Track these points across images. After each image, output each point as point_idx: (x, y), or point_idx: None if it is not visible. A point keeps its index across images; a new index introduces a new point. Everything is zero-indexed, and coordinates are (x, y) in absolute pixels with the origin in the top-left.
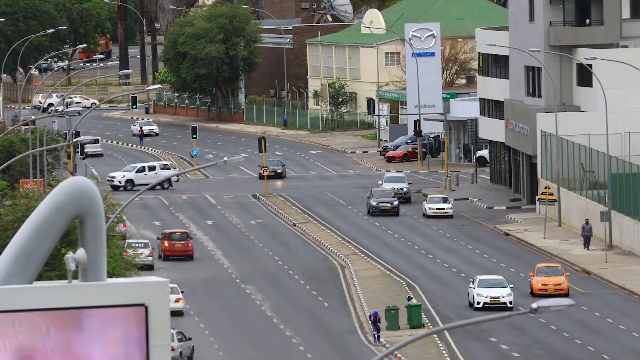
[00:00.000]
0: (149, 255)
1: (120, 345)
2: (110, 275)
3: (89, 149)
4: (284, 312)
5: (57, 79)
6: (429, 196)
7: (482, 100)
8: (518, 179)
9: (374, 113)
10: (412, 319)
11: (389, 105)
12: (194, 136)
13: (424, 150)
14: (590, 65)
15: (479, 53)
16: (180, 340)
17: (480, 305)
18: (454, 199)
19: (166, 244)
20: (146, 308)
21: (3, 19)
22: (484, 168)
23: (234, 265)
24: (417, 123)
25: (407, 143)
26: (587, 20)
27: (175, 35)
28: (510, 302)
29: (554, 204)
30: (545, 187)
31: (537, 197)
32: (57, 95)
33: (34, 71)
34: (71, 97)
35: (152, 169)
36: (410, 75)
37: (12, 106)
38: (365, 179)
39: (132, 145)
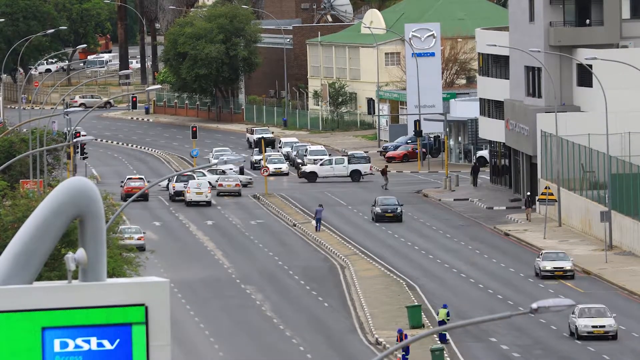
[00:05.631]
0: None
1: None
2: (110, 275)
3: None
4: (284, 312)
5: (57, 79)
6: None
7: (482, 101)
8: (518, 179)
9: (374, 113)
10: (412, 319)
11: (389, 106)
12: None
13: (424, 150)
14: (590, 66)
15: (479, 53)
16: None
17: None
18: (454, 199)
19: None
20: (146, 308)
21: (3, 19)
22: (484, 168)
23: (234, 265)
24: (417, 123)
25: (407, 143)
26: (587, 21)
27: (175, 35)
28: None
29: (554, 204)
30: (546, 187)
31: (537, 197)
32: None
33: (34, 71)
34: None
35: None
36: (410, 76)
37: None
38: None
39: (132, 146)
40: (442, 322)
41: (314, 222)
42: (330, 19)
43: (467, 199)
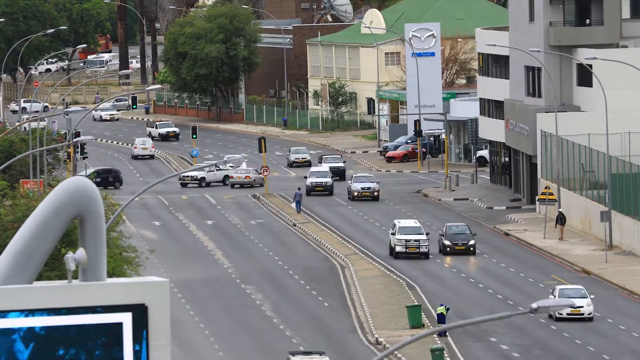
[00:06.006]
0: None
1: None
2: (110, 275)
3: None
4: (284, 312)
5: (57, 79)
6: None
7: (482, 100)
8: (518, 179)
9: (374, 113)
10: (412, 319)
11: (389, 105)
12: (194, 136)
13: (423, 150)
14: (590, 66)
15: (479, 53)
16: None
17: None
18: (454, 199)
19: None
20: (146, 308)
21: (3, 19)
22: (484, 168)
23: (234, 265)
24: (417, 123)
25: (407, 143)
26: (587, 20)
27: (175, 35)
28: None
29: (553, 204)
30: (545, 187)
31: (537, 197)
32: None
33: (34, 71)
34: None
35: None
36: (410, 75)
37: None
38: None
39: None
40: (440, 315)
41: (293, 204)
42: (330, 19)
43: (467, 199)
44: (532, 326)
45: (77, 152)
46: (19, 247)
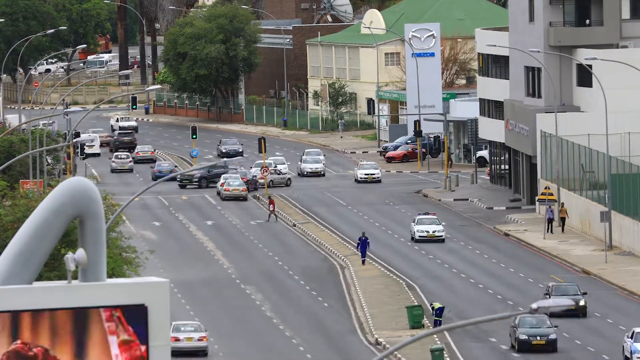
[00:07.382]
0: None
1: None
2: (110, 275)
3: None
4: (284, 312)
5: (56, 79)
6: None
7: (482, 101)
8: (518, 179)
9: (373, 113)
10: (412, 319)
11: (389, 106)
12: (194, 136)
13: (423, 150)
14: (590, 66)
15: (478, 53)
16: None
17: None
18: (454, 199)
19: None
20: (146, 308)
21: (3, 19)
22: (483, 168)
23: (234, 265)
24: (417, 123)
25: (407, 143)
26: (587, 21)
27: (175, 35)
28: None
29: (553, 204)
30: (545, 188)
31: (537, 198)
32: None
33: (33, 71)
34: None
35: None
36: (410, 76)
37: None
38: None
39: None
40: (438, 309)
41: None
42: (330, 19)
43: (467, 199)
44: None
45: (77, 152)
46: (19, 247)
